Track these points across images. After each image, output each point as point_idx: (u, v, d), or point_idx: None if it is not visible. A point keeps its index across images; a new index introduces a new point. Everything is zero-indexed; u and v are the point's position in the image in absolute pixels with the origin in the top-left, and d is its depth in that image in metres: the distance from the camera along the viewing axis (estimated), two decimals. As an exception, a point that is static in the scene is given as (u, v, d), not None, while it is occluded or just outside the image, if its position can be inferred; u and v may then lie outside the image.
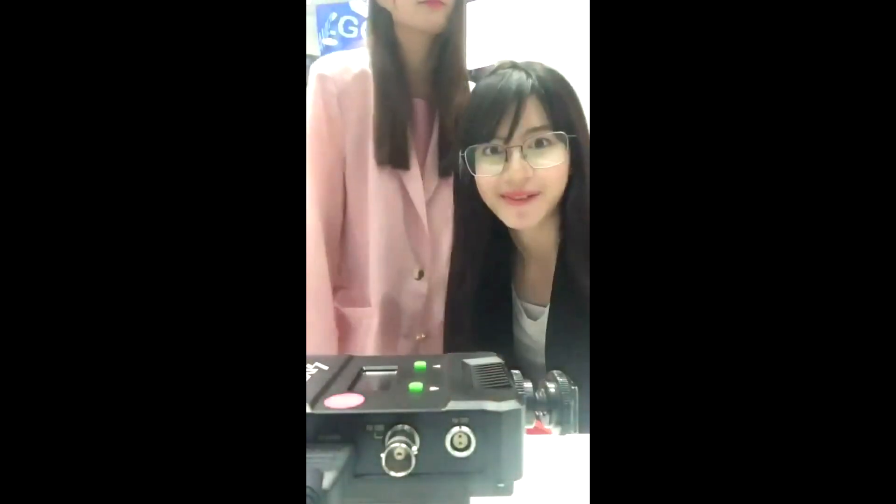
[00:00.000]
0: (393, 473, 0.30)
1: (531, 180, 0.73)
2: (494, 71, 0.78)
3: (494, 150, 0.74)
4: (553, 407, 0.35)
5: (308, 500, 0.25)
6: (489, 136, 0.74)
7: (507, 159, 0.73)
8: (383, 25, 0.87)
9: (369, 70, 0.88)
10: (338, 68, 0.88)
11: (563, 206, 0.77)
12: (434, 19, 0.82)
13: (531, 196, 0.74)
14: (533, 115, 0.73)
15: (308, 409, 0.31)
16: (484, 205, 0.78)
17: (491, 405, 0.31)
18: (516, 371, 0.37)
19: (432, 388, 0.34)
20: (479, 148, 0.75)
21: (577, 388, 0.35)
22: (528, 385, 0.36)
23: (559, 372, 0.36)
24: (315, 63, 0.92)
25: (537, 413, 0.35)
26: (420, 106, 0.89)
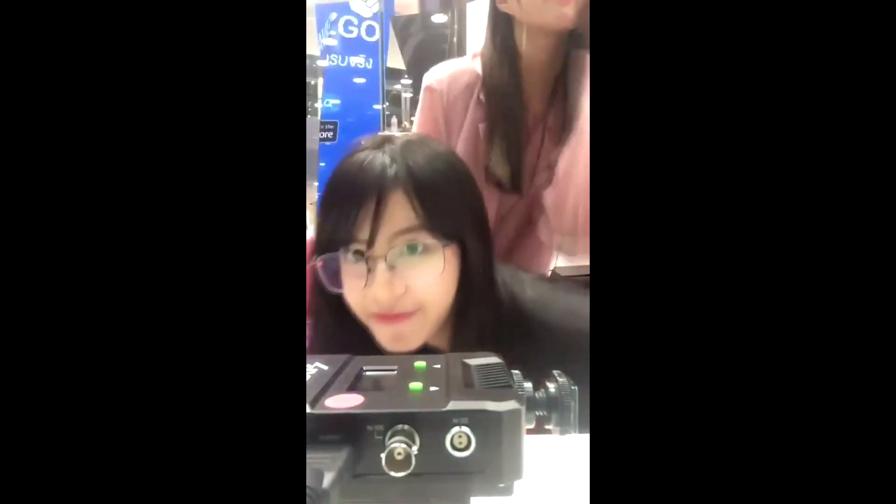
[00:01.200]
0: (393, 473, 0.30)
1: (405, 297, 0.57)
2: (366, 147, 0.60)
3: (359, 255, 0.57)
4: (553, 407, 0.35)
5: (308, 500, 0.25)
6: (348, 240, 0.57)
7: (370, 270, 0.56)
8: (503, 32, 0.82)
9: (480, 74, 0.83)
10: (446, 79, 0.85)
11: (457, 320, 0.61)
12: (564, 14, 0.76)
13: (408, 314, 0.58)
14: (399, 214, 0.56)
15: (308, 409, 0.31)
16: (355, 323, 0.61)
17: (491, 405, 0.31)
18: (516, 371, 0.37)
19: (432, 388, 0.34)
20: (341, 253, 0.58)
21: (577, 388, 0.35)
22: (528, 385, 0.35)
23: (559, 372, 0.36)
24: (427, 73, 0.90)
25: (537, 413, 0.35)
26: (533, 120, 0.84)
